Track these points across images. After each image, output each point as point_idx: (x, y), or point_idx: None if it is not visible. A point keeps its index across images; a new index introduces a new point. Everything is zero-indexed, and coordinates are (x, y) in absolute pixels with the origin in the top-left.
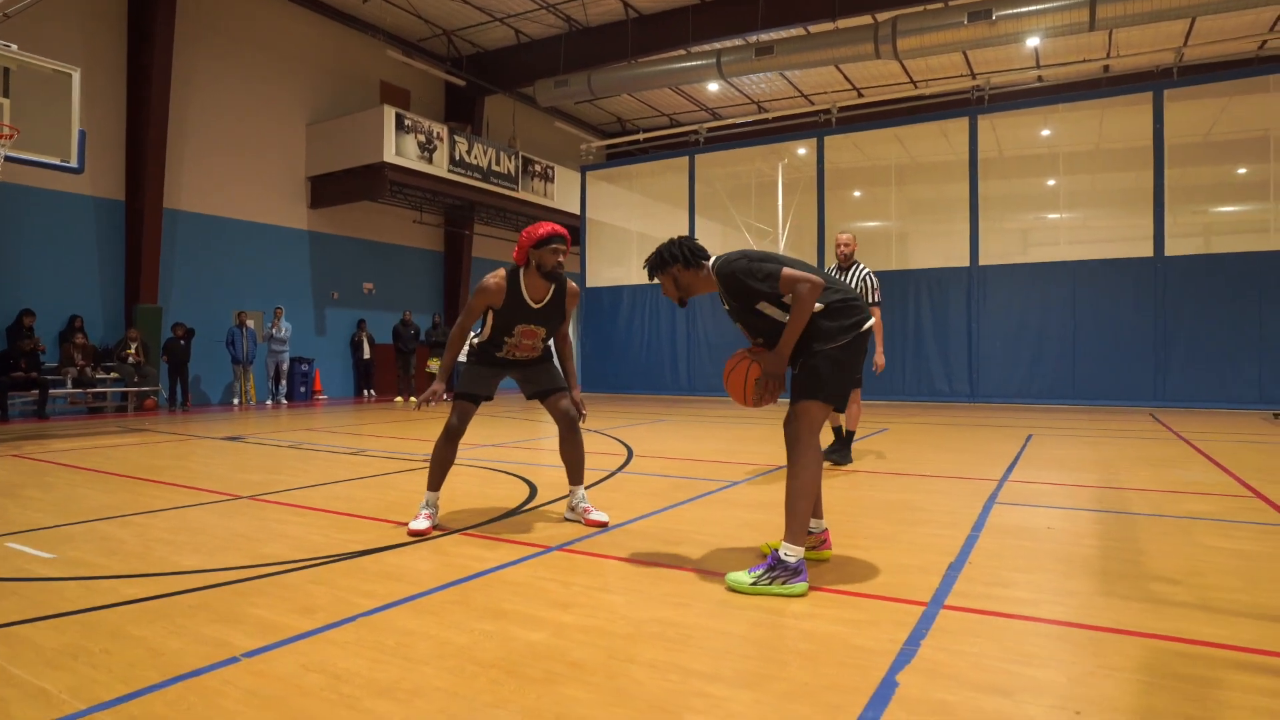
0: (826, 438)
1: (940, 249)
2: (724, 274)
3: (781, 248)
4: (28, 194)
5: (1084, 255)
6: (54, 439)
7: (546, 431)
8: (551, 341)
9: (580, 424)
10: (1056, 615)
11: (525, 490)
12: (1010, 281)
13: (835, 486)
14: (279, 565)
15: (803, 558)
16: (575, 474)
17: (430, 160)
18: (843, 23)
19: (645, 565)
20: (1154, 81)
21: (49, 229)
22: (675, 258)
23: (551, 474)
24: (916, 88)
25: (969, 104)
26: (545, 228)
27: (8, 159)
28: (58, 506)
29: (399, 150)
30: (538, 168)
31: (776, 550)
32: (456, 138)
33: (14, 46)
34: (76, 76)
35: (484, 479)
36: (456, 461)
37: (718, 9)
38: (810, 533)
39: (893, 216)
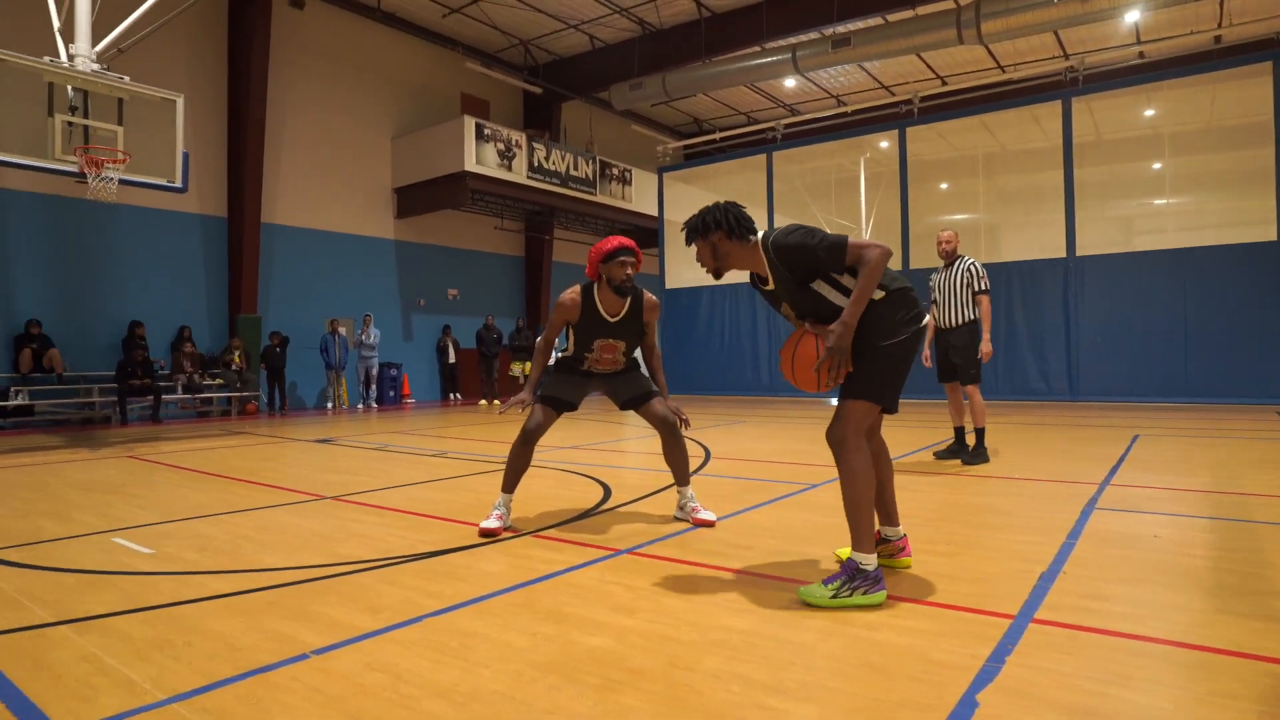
0: (887, 439)
1: (1034, 240)
2: (783, 246)
3: None
4: (140, 214)
5: (1195, 242)
6: (163, 441)
7: (626, 434)
8: (638, 354)
9: (686, 426)
10: (1161, 633)
11: (600, 492)
12: (1112, 272)
13: (916, 489)
14: (352, 565)
15: (879, 565)
16: (681, 476)
17: (510, 167)
18: (923, 9)
19: (714, 570)
20: (1274, 50)
21: (160, 246)
22: (719, 224)
23: (626, 476)
24: (1004, 72)
25: (1062, 86)
26: (613, 242)
27: (121, 182)
28: (159, 505)
29: (479, 159)
30: (615, 171)
31: (852, 559)
32: (535, 144)
33: (126, 78)
34: (180, 102)
35: (559, 480)
36: (533, 463)
37: (792, 3)
38: (887, 540)
39: (981, 208)
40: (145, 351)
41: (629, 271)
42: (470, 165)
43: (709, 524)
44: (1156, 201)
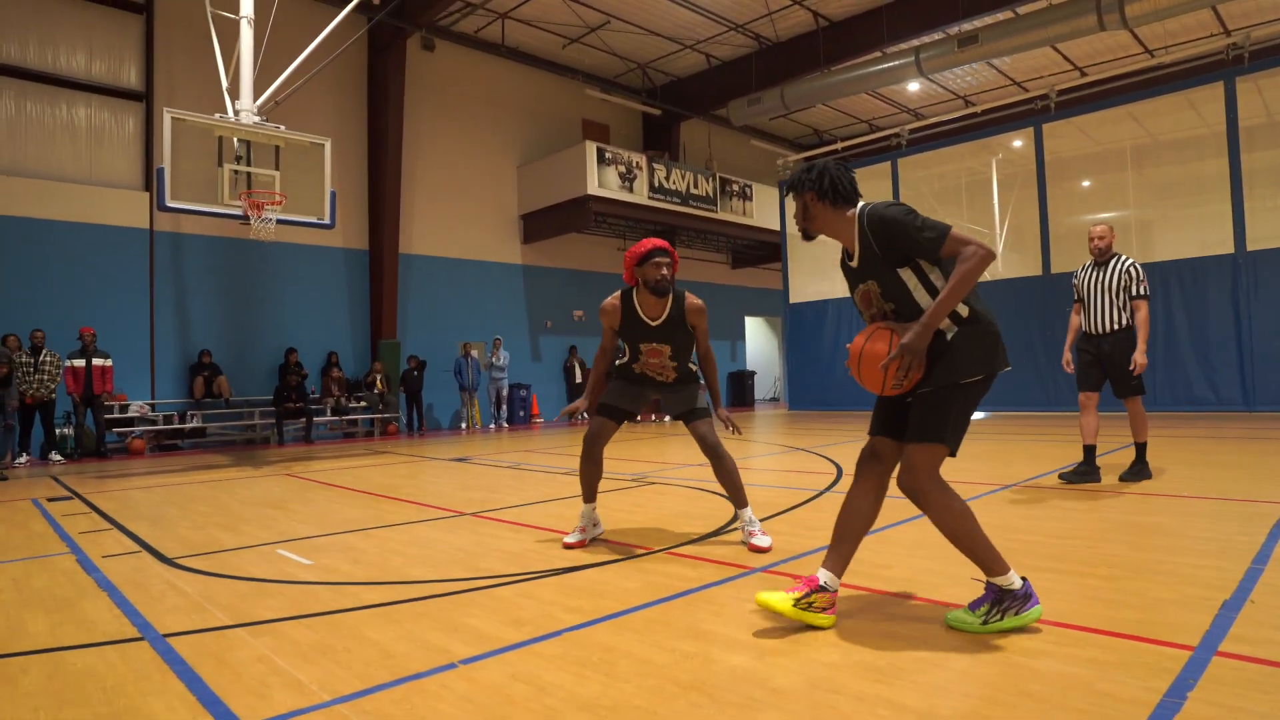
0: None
1: (1194, 236)
2: (878, 218)
3: (1000, 248)
4: (292, 250)
5: None
6: (315, 460)
7: (754, 451)
8: (696, 367)
9: (736, 434)
10: None
11: (730, 510)
12: None
13: (1070, 505)
14: (494, 579)
15: (1027, 580)
16: (734, 497)
17: (631, 189)
18: None
19: (855, 590)
20: None
21: (309, 278)
22: (813, 183)
23: (757, 494)
24: (1153, 56)
25: (1224, 66)
26: (647, 244)
27: (279, 222)
28: (316, 519)
29: (601, 182)
30: (735, 187)
31: (991, 583)
32: (655, 165)
33: (282, 127)
34: (328, 146)
35: (689, 498)
36: (643, 480)
37: (913, 4)
38: (824, 589)
39: (1131, 204)
40: (300, 377)
41: (664, 272)
42: (593, 189)
43: (762, 550)
44: None
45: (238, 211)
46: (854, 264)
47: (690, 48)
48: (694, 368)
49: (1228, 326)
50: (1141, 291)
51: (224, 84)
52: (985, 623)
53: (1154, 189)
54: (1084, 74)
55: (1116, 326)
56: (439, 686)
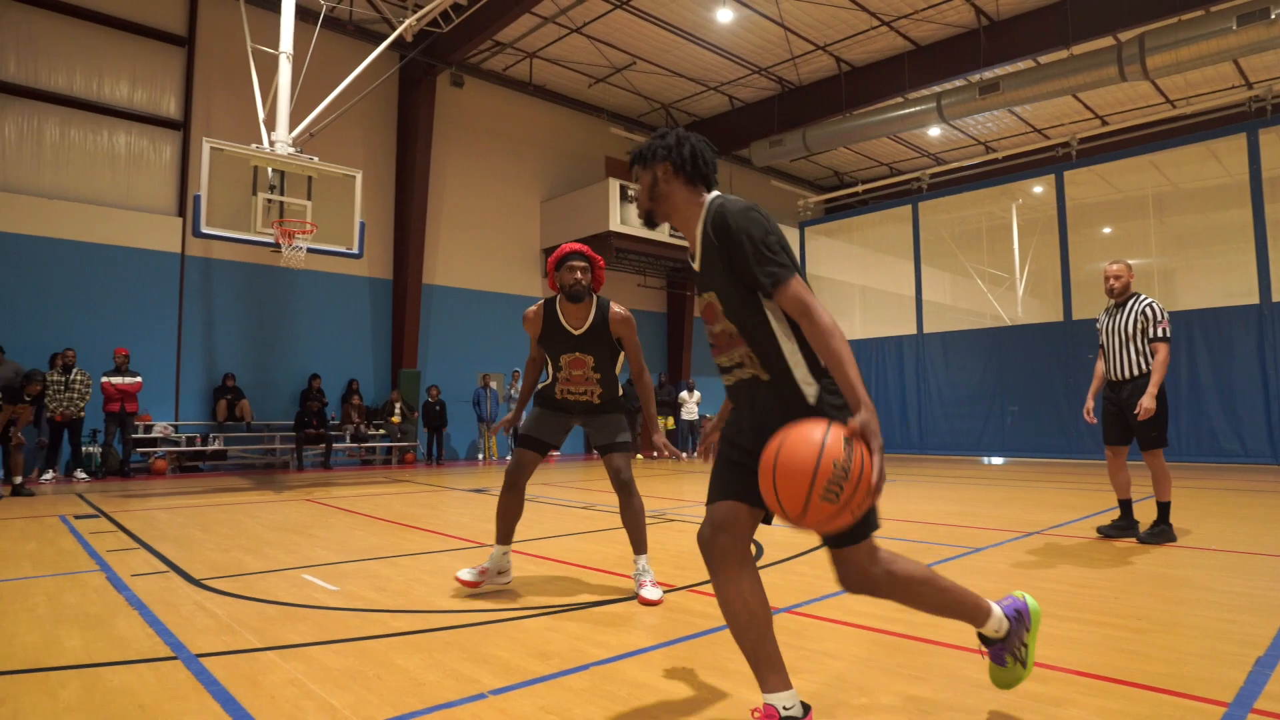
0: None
1: (1218, 285)
2: (724, 214)
3: (1020, 294)
4: (319, 278)
5: None
6: (335, 486)
7: None
8: (622, 392)
9: (676, 460)
10: None
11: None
12: None
13: (1093, 555)
14: (518, 610)
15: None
16: (634, 541)
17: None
18: (1078, 48)
19: (876, 633)
20: None
21: (334, 306)
22: (667, 153)
23: (777, 534)
24: (1174, 107)
25: (1246, 118)
26: (564, 248)
27: (308, 250)
28: (338, 545)
29: (623, 219)
30: None
31: (985, 634)
32: None
33: (316, 159)
34: (359, 177)
35: None
36: (662, 516)
37: (934, 52)
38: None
39: (1153, 252)
40: (321, 403)
41: (578, 276)
42: (615, 225)
43: (651, 603)
44: None
45: (270, 239)
46: (695, 266)
47: (714, 89)
48: (621, 392)
49: (1254, 377)
50: (1160, 334)
51: (260, 115)
52: (1026, 665)
53: (1176, 237)
54: (1105, 123)
55: (1135, 373)
56: (470, 715)
